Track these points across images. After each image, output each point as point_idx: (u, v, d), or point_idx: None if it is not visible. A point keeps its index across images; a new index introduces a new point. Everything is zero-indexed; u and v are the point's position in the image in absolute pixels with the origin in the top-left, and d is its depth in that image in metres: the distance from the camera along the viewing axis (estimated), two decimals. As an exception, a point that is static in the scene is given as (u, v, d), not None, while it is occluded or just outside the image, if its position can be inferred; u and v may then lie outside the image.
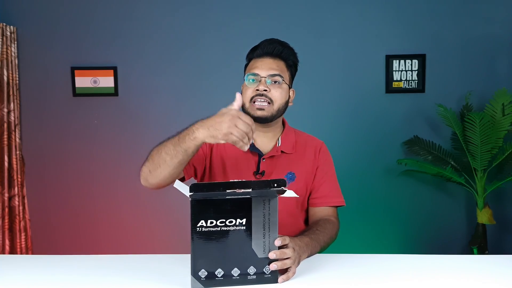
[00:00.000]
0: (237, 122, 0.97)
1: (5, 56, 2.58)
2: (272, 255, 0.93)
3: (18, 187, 2.65)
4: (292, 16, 2.69)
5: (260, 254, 0.92)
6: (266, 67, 1.24)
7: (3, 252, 2.59)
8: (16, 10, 2.69)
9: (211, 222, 0.89)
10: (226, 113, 1.00)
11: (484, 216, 2.47)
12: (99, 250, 2.72)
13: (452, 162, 2.60)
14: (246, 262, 0.92)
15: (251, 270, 0.92)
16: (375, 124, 2.72)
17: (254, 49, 1.30)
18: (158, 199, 2.74)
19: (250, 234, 0.91)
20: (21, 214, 2.66)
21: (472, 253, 2.49)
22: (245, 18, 2.69)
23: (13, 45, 2.64)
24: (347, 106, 2.72)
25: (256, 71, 1.24)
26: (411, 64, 2.68)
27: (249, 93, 1.24)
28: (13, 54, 2.64)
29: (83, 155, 2.76)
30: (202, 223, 0.89)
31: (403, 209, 2.75)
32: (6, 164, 2.60)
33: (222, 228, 0.90)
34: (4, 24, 2.57)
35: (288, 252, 0.95)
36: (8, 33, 2.60)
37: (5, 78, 2.59)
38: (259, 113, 1.23)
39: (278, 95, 1.24)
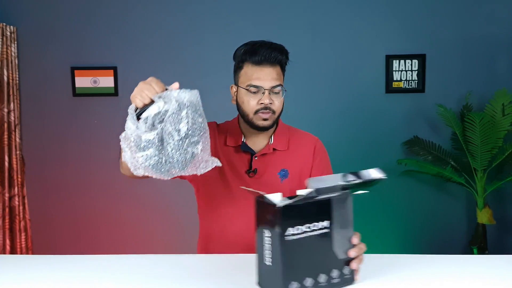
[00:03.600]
0: (143, 87, 0.97)
1: (5, 56, 2.58)
2: (353, 253, 0.90)
3: (18, 187, 2.66)
4: (291, 16, 2.69)
5: (340, 255, 0.89)
6: (268, 78, 1.22)
7: (3, 252, 2.59)
8: (16, 10, 2.69)
9: (298, 229, 0.82)
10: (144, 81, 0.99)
11: (484, 216, 2.47)
12: (99, 250, 2.72)
13: (452, 162, 2.60)
14: (330, 266, 0.87)
15: (334, 273, 0.88)
16: (375, 124, 2.72)
17: (250, 53, 1.23)
18: (158, 199, 2.74)
19: (331, 236, 0.87)
20: (21, 214, 2.66)
21: (472, 253, 2.49)
22: (245, 18, 2.70)
23: (13, 45, 2.64)
24: (347, 106, 2.72)
25: (259, 83, 1.22)
26: (411, 64, 2.68)
27: (253, 105, 1.23)
28: (13, 54, 2.64)
29: (83, 155, 2.76)
30: (290, 230, 0.81)
31: (403, 209, 2.75)
32: (6, 164, 2.60)
33: (308, 233, 0.83)
34: (4, 24, 2.57)
35: (363, 246, 0.93)
36: (8, 33, 2.60)
37: (5, 78, 2.59)
38: (265, 123, 1.24)
39: (279, 105, 1.25)
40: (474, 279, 0.97)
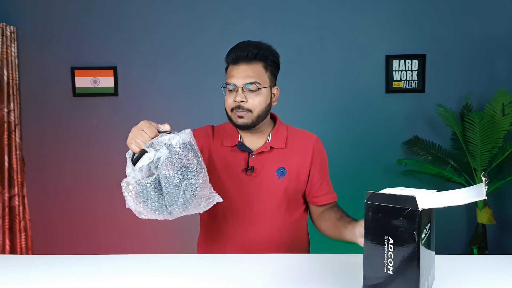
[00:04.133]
0: (136, 134, 1.00)
1: (5, 56, 2.58)
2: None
3: (18, 187, 2.65)
4: (291, 16, 2.69)
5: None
6: (241, 75, 1.22)
7: (3, 252, 2.59)
8: (16, 10, 2.69)
9: (425, 232, 0.78)
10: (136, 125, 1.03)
11: (484, 216, 2.47)
12: (99, 250, 2.72)
13: (452, 162, 2.60)
14: (432, 267, 0.86)
15: (431, 273, 0.86)
16: (375, 124, 2.72)
17: (228, 53, 1.26)
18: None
19: (431, 237, 0.85)
20: (21, 214, 2.66)
21: (472, 253, 2.49)
22: (244, 18, 2.70)
23: (13, 45, 2.64)
24: (347, 106, 2.72)
25: (233, 81, 1.23)
26: (411, 64, 2.68)
27: (229, 102, 1.25)
28: (13, 54, 2.64)
29: (83, 155, 2.76)
30: (421, 235, 0.76)
31: (403, 209, 2.74)
32: (6, 164, 2.60)
33: (429, 234, 0.80)
34: (4, 24, 2.57)
35: None
36: (8, 33, 2.60)
37: (5, 78, 2.59)
38: (240, 121, 1.24)
39: (256, 103, 1.23)
40: (474, 279, 0.97)
